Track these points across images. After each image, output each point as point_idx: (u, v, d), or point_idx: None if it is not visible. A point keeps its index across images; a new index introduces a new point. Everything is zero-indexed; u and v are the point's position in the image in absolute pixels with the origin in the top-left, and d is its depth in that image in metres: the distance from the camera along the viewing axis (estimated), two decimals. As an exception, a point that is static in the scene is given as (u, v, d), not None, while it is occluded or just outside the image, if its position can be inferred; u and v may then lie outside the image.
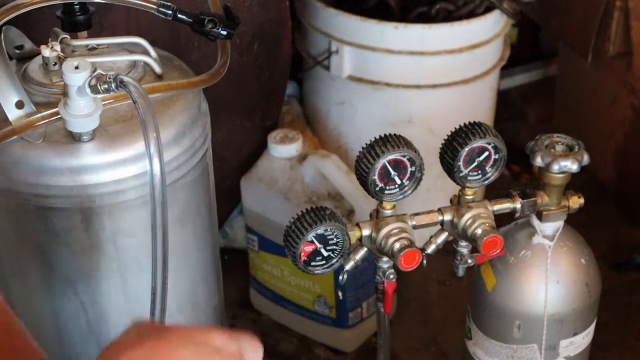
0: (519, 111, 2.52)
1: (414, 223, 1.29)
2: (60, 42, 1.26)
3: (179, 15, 1.31)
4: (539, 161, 1.30)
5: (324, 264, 1.26)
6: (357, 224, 1.29)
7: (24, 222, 1.23)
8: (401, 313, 1.93)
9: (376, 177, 1.23)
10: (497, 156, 1.28)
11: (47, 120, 1.18)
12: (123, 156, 1.19)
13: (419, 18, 1.95)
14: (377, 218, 1.28)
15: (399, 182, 1.25)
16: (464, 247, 1.33)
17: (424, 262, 1.27)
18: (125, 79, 1.11)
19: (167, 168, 1.18)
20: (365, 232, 1.28)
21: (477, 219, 1.29)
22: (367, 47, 1.86)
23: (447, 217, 1.31)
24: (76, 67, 1.12)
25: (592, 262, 1.39)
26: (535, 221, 1.35)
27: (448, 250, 1.35)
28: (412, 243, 1.26)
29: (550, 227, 1.35)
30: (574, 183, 1.34)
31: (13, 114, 1.18)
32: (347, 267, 1.30)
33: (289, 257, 1.25)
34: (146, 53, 1.28)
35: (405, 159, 1.24)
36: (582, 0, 2.08)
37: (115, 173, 1.19)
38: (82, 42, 1.28)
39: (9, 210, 1.23)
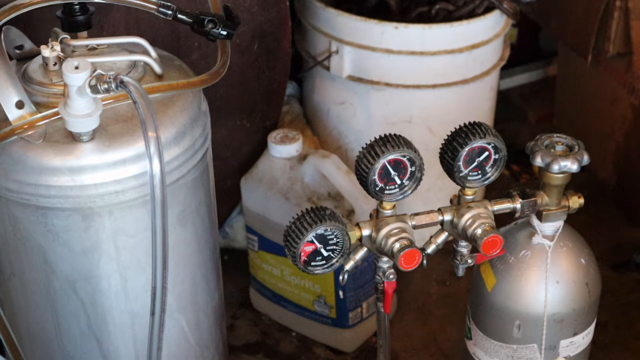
0: (519, 111, 2.52)
1: (414, 223, 1.29)
2: (60, 42, 1.26)
3: (179, 16, 1.31)
4: (539, 161, 1.30)
5: (324, 264, 1.26)
6: (357, 224, 1.29)
7: (24, 222, 1.22)
8: (401, 313, 1.93)
9: (376, 177, 1.23)
10: (497, 156, 1.28)
11: (47, 120, 1.18)
12: (123, 156, 1.19)
13: (419, 18, 1.95)
14: (377, 218, 1.28)
15: (399, 182, 1.25)
16: (464, 247, 1.33)
17: (424, 262, 1.28)
18: (125, 79, 1.11)
19: (167, 168, 1.18)
20: (365, 232, 1.28)
21: (477, 219, 1.29)
22: (367, 47, 1.86)
23: (447, 217, 1.31)
24: (76, 67, 1.13)
25: (592, 262, 1.39)
26: (535, 221, 1.35)
27: (448, 250, 1.35)
28: (412, 243, 1.26)
29: (550, 227, 1.35)
30: (574, 183, 1.34)
31: (13, 114, 1.18)
32: (347, 267, 1.30)
33: (289, 257, 1.25)
34: (146, 53, 1.28)
35: (405, 159, 1.24)
36: (582, 0, 2.08)
37: (115, 173, 1.19)
38: (82, 42, 1.28)
39: (9, 210, 1.23)
